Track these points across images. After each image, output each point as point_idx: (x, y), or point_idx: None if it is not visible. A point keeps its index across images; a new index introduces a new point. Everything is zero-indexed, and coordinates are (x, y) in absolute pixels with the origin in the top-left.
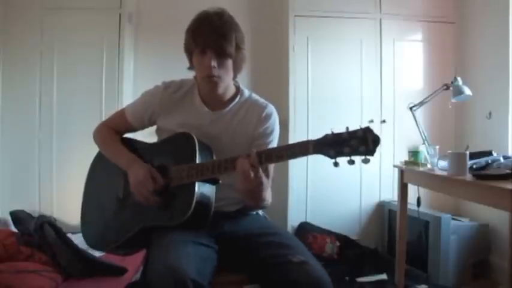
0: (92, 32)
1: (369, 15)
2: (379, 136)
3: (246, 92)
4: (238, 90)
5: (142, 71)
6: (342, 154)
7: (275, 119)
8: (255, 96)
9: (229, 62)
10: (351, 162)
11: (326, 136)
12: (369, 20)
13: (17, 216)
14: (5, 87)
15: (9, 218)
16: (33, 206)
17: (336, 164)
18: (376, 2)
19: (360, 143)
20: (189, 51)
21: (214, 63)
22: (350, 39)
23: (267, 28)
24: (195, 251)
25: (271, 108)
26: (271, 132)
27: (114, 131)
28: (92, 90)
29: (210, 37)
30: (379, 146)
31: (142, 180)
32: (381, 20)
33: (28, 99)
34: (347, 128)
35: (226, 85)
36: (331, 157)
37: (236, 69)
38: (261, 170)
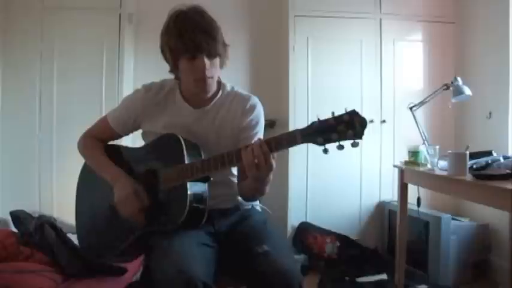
0: (92, 32)
1: (369, 15)
2: (366, 118)
3: (228, 86)
4: (219, 85)
5: (142, 71)
6: (330, 140)
7: (259, 110)
8: (237, 89)
9: (218, 60)
10: (340, 147)
11: (312, 124)
12: (369, 20)
13: (17, 216)
14: (5, 87)
15: (9, 218)
16: (33, 206)
17: (325, 151)
18: (376, 2)
19: (347, 127)
20: (174, 56)
21: (207, 64)
22: (350, 39)
23: (267, 28)
24: (200, 252)
25: (255, 100)
26: (257, 123)
27: (97, 140)
28: (92, 90)
29: (202, 40)
30: (367, 128)
31: (126, 200)
32: (381, 20)
33: (28, 99)
34: (333, 113)
35: (214, 83)
36: (320, 144)
37: (221, 65)
38: (271, 156)
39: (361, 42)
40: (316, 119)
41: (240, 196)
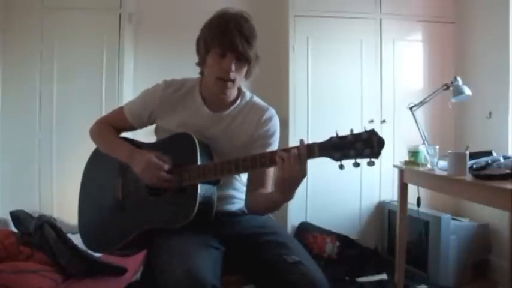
0: (92, 32)
1: (369, 15)
2: (384, 139)
3: (248, 95)
4: (239, 93)
5: (142, 71)
6: (347, 157)
7: (276, 122)
8: (256, 99)
9: (245, 68)
10: (356, 164)
11: (331, 139)
12: (369, 20)
13: (17, 216)
14: (5, 87)
15: (9, 218)
16: (33, 206)
17: (341, 167)
18: (376, 2)
19: (365, 145)
20: (206, 49)
21: (233, 67)
22: (350, 39)
23: (267, 28)
24: (208, 255)
25: (272, 112)
26: (272, 134)
27: (111, 127)
28: (92, 90)
29: (237, 40)
30: (384, 148)
31: (150, 165)
32: (380, 20)
33: (28, 99)
34: (351, 131)
35: (235, 89)
36: (336, 160)
37: (247, 76)
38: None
39: (361, 42)
40: (334, 134)
41: (248, 208)
